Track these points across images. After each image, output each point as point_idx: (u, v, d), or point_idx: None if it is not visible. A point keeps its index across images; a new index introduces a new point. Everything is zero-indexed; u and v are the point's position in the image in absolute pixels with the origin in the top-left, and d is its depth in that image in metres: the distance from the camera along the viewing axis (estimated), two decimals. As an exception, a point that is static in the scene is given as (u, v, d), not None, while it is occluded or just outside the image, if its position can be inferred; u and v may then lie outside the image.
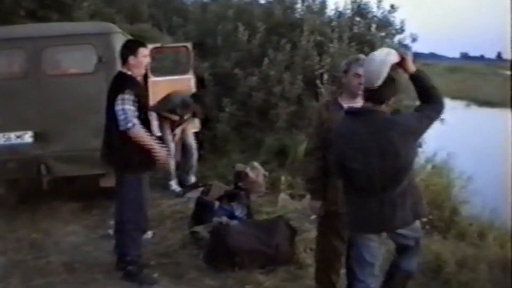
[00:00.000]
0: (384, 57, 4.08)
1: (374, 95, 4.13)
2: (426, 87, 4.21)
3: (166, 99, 9.29)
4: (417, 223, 4.50)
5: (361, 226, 4.33)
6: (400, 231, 4.32)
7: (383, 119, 4.13)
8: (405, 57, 4.16)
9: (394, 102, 4.39)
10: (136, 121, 5.50)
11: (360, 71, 4.65)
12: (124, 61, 5.75)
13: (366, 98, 4.20)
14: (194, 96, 9.44)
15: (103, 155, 5.90)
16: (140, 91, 5.77)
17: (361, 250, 4.38)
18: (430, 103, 4.17)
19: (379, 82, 4.04)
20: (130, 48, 5.78)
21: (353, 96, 4.83)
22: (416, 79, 4.22)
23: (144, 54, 5.76)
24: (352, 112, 4.32)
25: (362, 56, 4.98)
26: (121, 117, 5.47)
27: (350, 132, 4.20)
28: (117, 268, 6.04)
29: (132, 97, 5.52)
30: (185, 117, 9.40)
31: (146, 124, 5.70)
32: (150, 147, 5.58)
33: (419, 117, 4.16)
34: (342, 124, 4.36)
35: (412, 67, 4.19)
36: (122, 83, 5.67)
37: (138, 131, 5.52)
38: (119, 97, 5.50)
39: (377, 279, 4.52)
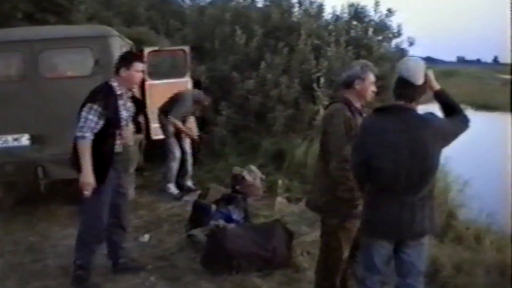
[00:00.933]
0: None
1: (410, 92, 4.09)
2: (450, 103, 4.24)
3: (178, 103, 9.38)
4: (426, 242, 4.35)
5: (378, 230, 4.23)
6: (415, 244, 4.22)
7: (416, 117, 4.06)
8: (429, 75, 4.19)
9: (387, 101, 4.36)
10: (89, 135, 5.39)
11: (373, 78, 4.74)
12: (117, 71, 5.68)
13: (399, 96, 4.14)
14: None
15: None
16: (114, 106, 5.59)
17: (372, 256, 4.28)
18: (456, 115, 4.17)
19: (422, 80, 4.08)
20: (124, 60, 5.73)
21: (363, 103, 4.83)
22: (441, 95, 4.25)
23: (137, 69, 5.67)
24: (382, 109, 4.24)
25: (369, 63, 4.96)
26: (80, 123, 5.40)
27: (380, 130, 4.10)
28: (113, 271, 6.05)
29: (100, 109, 5.43)
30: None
31: (111, 139, 5.60)
32: (82, 167, 5.40)
33: (450, 123, 4.14)
34: (370, 122, 4.26)
35: (436, 84, 4.22)
36: (98, 92, 5.58)
37: (83, 146, 5.40)
38: (88, 105, 5.43)
39: None
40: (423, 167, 3.99)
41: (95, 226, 5.73)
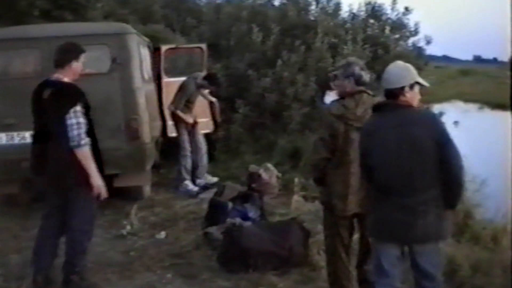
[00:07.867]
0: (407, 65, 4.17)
1: (389, 94, 4.09)
2: None
3: (181, 89, 9.51)
4: (439, 249, 4.31)
5: (380, 232, 4.21)
6: (422, 250, 4.14)
7: (409, 113, 4.03)
8: None
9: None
10: (87, 139, 5.26)
11: None
12: (62, 66, 5.45)
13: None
14: (208, 76, 9.63)
15: (49, 173, 5.59)
16: (87, 101, 5.43)
17: (380, 259, 4.24)
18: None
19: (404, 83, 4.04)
20: (72, 51, 5.50)
21: None
22: None
23: (83, 60, 5.52)
24: (379, 107, 4.21)
25: None
26: (74, 132, 5.19)
27: (374, 128, 4.11)
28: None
29: (82, 110, 5.27)
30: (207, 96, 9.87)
31: (92, 135, 5.44)
32: (90, 173, 5.30)
33: (451, 141, 4.05)
34: (369, 121, 4.27)
35: None
36: (71, 93, 5.37)
37: (87, 152, 5.27)
38: (72, 110, 5.19)
39: None
40: (412, 164, 3.93)
41: (91, 229, 5.72)
